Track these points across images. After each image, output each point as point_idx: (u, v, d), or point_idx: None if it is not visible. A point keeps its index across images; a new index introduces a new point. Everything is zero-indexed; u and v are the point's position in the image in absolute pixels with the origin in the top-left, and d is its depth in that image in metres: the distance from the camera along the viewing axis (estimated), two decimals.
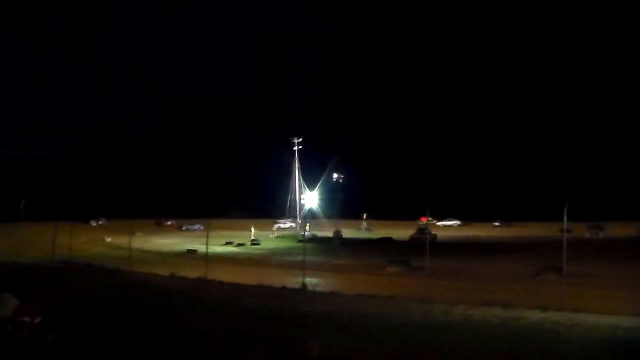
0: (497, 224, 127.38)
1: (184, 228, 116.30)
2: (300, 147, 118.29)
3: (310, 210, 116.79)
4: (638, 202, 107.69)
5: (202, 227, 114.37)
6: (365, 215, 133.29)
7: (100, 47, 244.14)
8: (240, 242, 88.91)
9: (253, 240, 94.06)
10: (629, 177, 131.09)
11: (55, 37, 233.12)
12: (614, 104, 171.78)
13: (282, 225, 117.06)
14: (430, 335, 21.94)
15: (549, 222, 75.82)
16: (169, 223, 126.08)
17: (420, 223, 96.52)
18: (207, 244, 48.41)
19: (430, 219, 76.07)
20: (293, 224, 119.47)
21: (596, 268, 49.76)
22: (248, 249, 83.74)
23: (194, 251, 68.97)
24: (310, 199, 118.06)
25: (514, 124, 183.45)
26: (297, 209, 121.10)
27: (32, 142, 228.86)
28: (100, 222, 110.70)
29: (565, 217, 31.61)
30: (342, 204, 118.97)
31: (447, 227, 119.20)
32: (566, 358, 18.83)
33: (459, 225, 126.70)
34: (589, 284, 39.96)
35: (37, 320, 17.40)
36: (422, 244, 45.56)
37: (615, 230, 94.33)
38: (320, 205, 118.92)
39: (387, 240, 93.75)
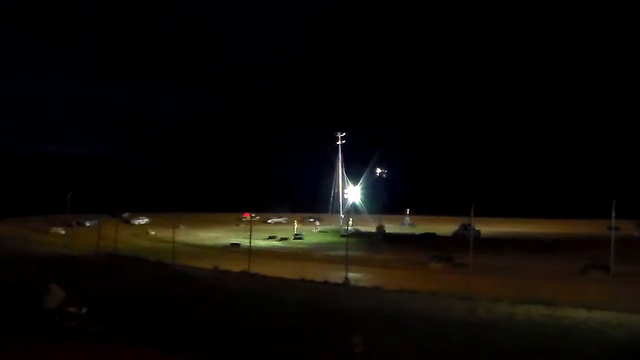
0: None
1: (270, 221, 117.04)
2: (344, 141, 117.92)
3: (353, 205, 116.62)
4: None
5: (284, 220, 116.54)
6: (408, 210, 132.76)
7: (146, 44, 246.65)
8: (283, 236, 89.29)
9: (296, 234, 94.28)
10: None
11: (101, 32, 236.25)
12: None
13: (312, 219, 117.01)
14: (473, 333, 21.80)
15: (596, 218, 74.72)
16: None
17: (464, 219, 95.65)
18: (250, 238, 48.68)
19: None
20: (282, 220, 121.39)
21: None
22: (291, 243, 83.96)
23: (237, 245, 69.44)
24: (353, 193, 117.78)
25: (561, 119, 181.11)
26: (340, 204, 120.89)
27: (78, 138, 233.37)
28: (140, 221, 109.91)
29: (613, 214, 31.09)
30: (385, 199, 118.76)
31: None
32: (612, 359, 18.58)
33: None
34: (637, 283, 39.22)
35: (83, 311, 17.76)
36: (465, 240, 45.30)
37: None
38: (363, 200, 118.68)
39: (430, 236, 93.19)
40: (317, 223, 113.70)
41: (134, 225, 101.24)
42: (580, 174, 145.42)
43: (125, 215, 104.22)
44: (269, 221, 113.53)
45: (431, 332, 21.73)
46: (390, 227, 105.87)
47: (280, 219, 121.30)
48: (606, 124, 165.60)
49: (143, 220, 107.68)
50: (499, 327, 23.21)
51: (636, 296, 32.43)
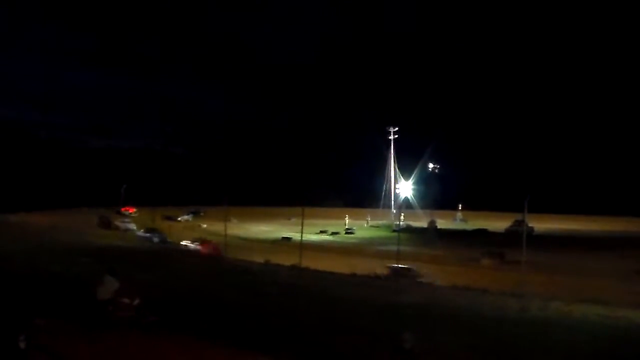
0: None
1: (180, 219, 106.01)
2: (396, 136, 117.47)
3: (405, 200, 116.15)
4: None
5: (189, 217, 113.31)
6: (460, 206, 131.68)
7: (193, 39, 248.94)
8: (334, 230, 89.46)
9: (347, 229, 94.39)
10: None
11: (151, 26, 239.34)
12: None
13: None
14: (526, 331, 21.53)
15: None
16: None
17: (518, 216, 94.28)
18: (302, 232, 48.88)
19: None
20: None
21: None
22: (342, 237, 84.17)
23: (288, 239, 69.88)
24: (405, 188, 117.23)
25: (621, 115, 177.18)
26: (392, 199, 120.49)
27: (130, 131, 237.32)
28: (186, 217, 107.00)
29: None
30: (437, 194, 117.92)
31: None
32: None
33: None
34: None
35: (136, 302, 18.07)
36: (518, 237, 44.70)
37: None
38: (415, 195, 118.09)
39: (482, 232, 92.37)
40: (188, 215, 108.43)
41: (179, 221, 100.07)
42: (637, 171, 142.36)
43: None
44: (179, 219, 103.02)
45: (483, 329, 21.53)
46: (442, 223, 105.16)
47: (187, 216, 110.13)
48: None
49: (187, 216, 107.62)
50: (552, 326, 22.88)
51: None
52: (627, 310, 27.47)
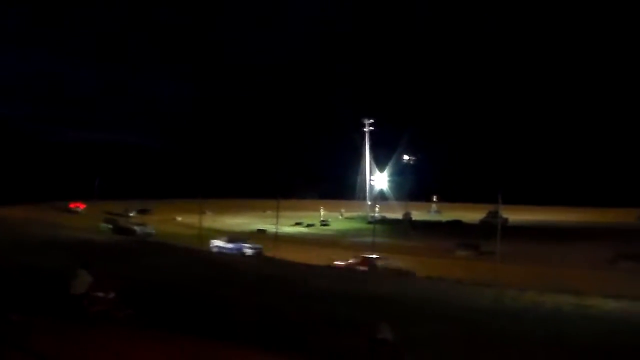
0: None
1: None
2: (372, 128, 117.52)
3: (380, 192, 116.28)
4: None
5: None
6: (435, 197, 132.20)
7: (166, 32, 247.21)
8: (309, 222, 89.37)
9: (322, 221, 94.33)
10: None
11: (126, 19, 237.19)
12: None
13: None
14: (499, 321, 21.70)
15: (625, 207, 73.99)
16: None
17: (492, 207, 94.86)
18: (277, 224, 48.81)
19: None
20: None
21: None
22: (317, 229, 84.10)
23: (263, 231, 69.61)
24: (380, 180, 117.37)
25: (592, 106, 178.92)
26: (367, 191, 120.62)
27: (104, 124, 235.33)
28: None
29: None
30: (412, 186, 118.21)
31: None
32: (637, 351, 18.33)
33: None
34: None
35: (111, 296, 17.87)
36: (492, 228, 45.05)
37: None
38: (390, 187, 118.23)
39: (457, 224, 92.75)
40: None
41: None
42: (610, 163, 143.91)
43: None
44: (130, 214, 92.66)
45: (457, 319, 21.64)
46: (417, 215, 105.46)
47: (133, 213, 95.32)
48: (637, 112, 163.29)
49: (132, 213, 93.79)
50: (525, 316, 23.07)
51: None
52: (599, 299, 27.77)
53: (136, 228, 62.08)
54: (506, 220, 74.78)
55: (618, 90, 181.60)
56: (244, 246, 49.84)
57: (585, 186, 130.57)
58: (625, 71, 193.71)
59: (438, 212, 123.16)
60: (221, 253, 46.96)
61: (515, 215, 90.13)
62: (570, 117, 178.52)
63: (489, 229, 54.93)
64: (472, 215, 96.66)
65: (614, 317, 23.74)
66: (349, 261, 41.46)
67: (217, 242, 51.60)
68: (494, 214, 77.69)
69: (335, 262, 41.86)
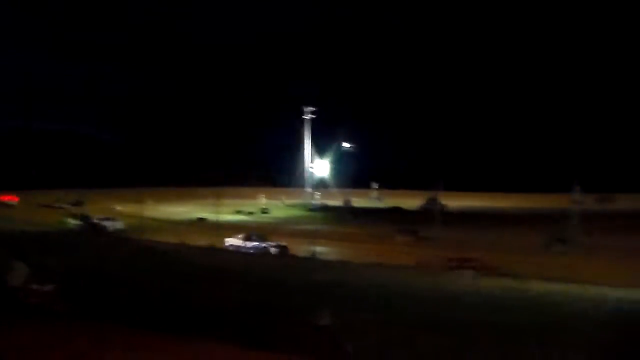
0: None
1: None
2: (313, 116, 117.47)
3: (321, 180, 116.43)
4: None
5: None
6: (375, 184, 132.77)
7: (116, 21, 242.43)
8: (250, 210, 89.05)
9: (263, 208, 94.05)
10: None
11: (79, 8, 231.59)
12: (626, 74, 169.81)
13: None
14: (437, 305, 22.01)
15: (559, 192, 75.71)
16: None
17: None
18: (217, 213, 48.59)
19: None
20: None
21: (607, 240, 49.70)
22: (258, 217, 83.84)
23: (203, 220, 69.05)
24: (321, 167, 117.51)
25: (524, 95, 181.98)
26: (308, 178, 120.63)
27: (42, 113, 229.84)
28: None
29: (574, 190, 31.72)
30: (352, 173, 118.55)
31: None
32: (569, 330, 18.84)
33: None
34: (598, 256, 39.99)
35: (48, 288, 17.50)
36: (431, 214, 45.76)
37: (626, 202, 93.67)
38: (331, 174, 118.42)
39: (397, 210, 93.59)
40: None
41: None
42: (545, 149, 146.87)
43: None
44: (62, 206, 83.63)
45: (396, 304, 21.89)
46: (358, 202, 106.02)
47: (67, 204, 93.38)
48: (570, 99, 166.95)
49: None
50: (463, 299, 23.48)
51: (595, 269, 33.18)
52: (533, 282, 28.50)
53: (106, 224, 56.49)
54: (444, 206, 75.88)
55: (553, 76, 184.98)
56: (269, 245, 45.40)
57: (522, 173, 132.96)
58: (557, 54, 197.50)
59: (378, 199, 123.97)
60: (157, 243, 45.26)
61: (455, 202, 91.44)
62: (508, 105, 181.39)
63: (428, 215, 55.72)
64: (411, 202, 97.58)
65: (548, 300, 24.37)
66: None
67: (232, 241, 46.30)
68: (432, 201, 78.73)
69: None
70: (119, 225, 56.82)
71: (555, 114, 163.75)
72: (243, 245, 45.23)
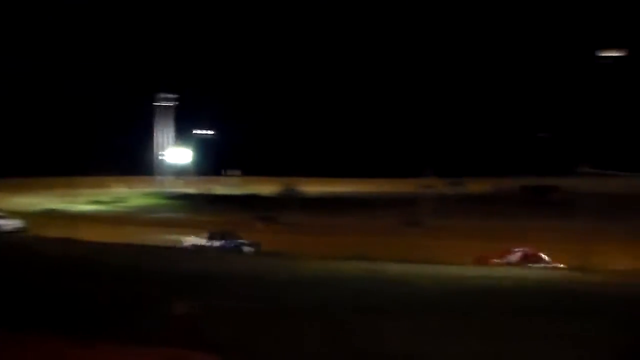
0: None
1: None
2: (171, 103, 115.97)
3: (180, 167, 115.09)
4: (493, 160, 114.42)
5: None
6: (235, 172, 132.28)
7: None
8: (107, 200, 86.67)
9: (119, 197, 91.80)
10: (488, 134, 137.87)
11: None
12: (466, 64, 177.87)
13: None
14: (298, 290, 22.21)
15: (412, 177, 78.73)
16: None
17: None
18: (70, 203, 46.92)
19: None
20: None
21: (456, 221, 52.30)
22: (114, 206, 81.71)
23: (56, 210, 66.49)
24: (179, 155, 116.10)
25: (379, 82, 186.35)
26: (165, 166, 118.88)
27: None
28: None
29: (426, 175, 33.12)
30: (212, 160, 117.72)
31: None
32: (423, 305, 19.65)
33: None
34: (448, 236, 41.98)
35: None
36: (289, 200, 46.27)
37: (474, 186, 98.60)
38: (191, 162, 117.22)
39: (254, 197, 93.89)
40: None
41: None
42: (400, 135, 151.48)
43: None
44: None
45: (258, 294, 21.92)
46: (217, 189, 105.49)
47: None
48: (421, 87, 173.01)
49: None
50: (324, 283, 23.85)
51: (445, 248, 34.90)
52: (388, 263, 29.52)
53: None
54: (301, 192, 77.04)
55: (404, 63, 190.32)
56: (242, 243, 40.94)
57: (380, 158, 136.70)
58: (405, 39, 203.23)
59: (237, 185, 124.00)
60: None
61: (315, 188, 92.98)
62: (364, 92, 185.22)
63: (286, 201, 56.31)
64: (271, 188, 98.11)
65: (403, 280, 25.26)
66: None
67: (193, 240, 41.12)
68: (291, 187, 79.71)
69: None
70: (17, 223, 47.59)
71: (408, 103, 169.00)
72: (209, 244, 40.42)
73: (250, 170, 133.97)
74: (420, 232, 46.87)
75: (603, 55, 54.22)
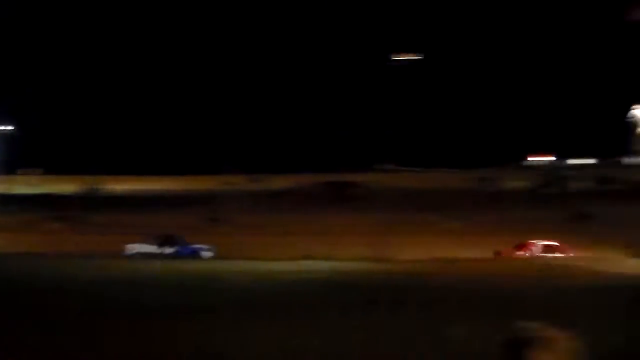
0: None
1: None
2: None
3: None
4: (295, 156, 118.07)
5: None
6: (35, 170, 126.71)
7: None
8: None
9: None
10: (289, 132, 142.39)
11: None
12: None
13: None
14: (98, 290, 20.91)
15: (213, 174, 79.15)
16: None
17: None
18: None
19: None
20: None
21: (261, 219, 52.89)
22: None
23: None
24: None
25: (186, 84, 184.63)
26: None
27: None
28: None
29: (225, 171, 33.12)
30: (10, 158, 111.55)
31: None
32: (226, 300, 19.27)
33: None
34: (253, 233, 42.23)
35: None
36: (89, 199, 44.65)
37: (276, 182, 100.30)
38: None
39: (51, 196, 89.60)
40: None
41: None
42: (202, 132, 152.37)
43: None
44: None
45: (55, 296, 20.38)
46: (11, 188, 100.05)
47: None
48: (220, 87, 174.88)
49: None
50: (144, 283, 22.90)
51: (252, 245, 34.99)
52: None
53: None
54: (102, 190, 75.14)
55: (206, 65, 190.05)
56: (201, 248, 37.95)
57: (185, 155, 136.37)
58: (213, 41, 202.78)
59: (36, 184, 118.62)
60: None
61: (120, 186, 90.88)
62: (175, 93, 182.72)
63: (87, 200, 54.46)
64: (74, 187, 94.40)
65: (208, 276, 24.92)
66: None
67: (137, 247, 37.48)
68: (94, 186, 77.51)
69: None
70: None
71: (210, 99, 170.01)
72: (159, 251, 37.26)
73: (53, 168, 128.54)
74: (230, 230, 47.06)
75: (398, 58, 57.56)
